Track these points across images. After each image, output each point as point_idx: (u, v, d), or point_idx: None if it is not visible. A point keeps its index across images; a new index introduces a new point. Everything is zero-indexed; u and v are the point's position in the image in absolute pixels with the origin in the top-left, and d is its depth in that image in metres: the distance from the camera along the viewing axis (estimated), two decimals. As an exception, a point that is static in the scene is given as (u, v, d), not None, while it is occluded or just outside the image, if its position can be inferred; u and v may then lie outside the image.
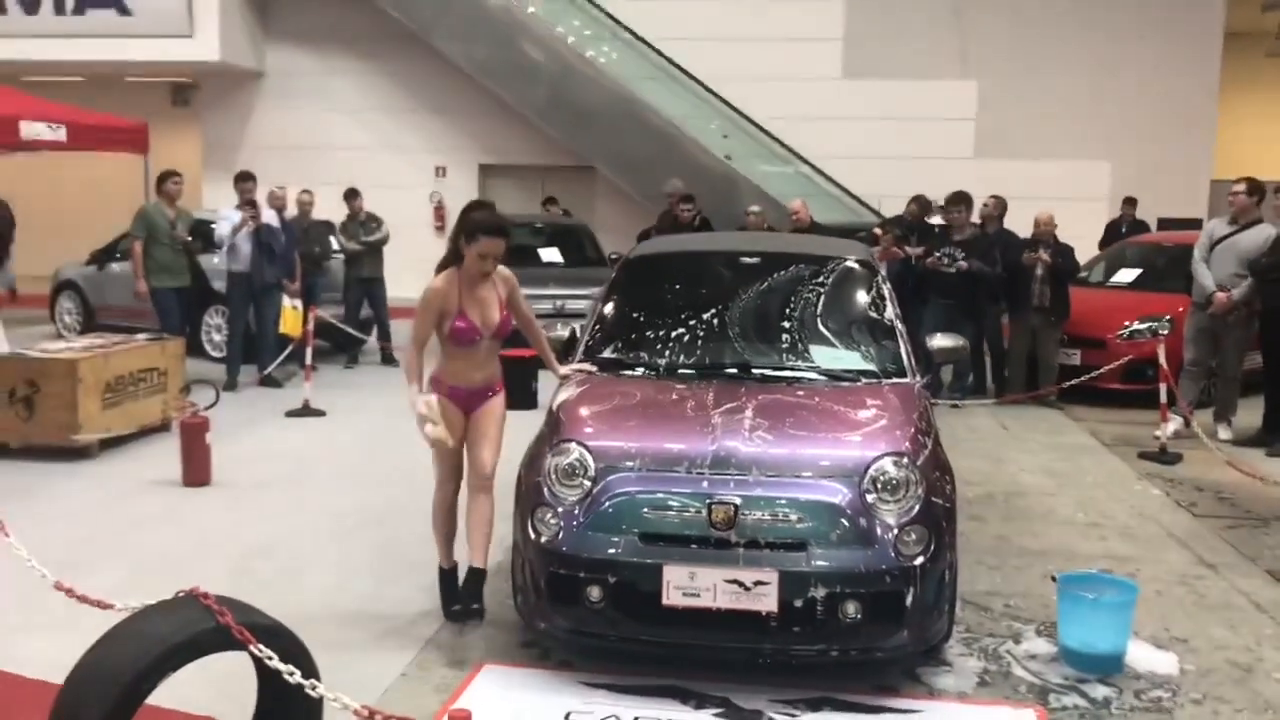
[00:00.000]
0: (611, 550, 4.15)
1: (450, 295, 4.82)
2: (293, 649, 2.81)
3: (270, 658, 2.65)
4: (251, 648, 2.68)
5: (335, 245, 12.39)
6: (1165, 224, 15.76)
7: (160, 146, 14.39)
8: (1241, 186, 8.96)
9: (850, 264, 5.78)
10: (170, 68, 18.52)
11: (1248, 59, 19.24)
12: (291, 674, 2.64)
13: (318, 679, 2.73)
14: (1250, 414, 9.03)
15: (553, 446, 4.47)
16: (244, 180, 10.64)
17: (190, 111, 20.12)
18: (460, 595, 4.93)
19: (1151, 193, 16.17)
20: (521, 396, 9.63)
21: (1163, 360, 8.45)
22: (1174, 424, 8.62)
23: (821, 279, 5.60)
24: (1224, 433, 8.85)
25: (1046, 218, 10.41)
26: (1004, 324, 10.78)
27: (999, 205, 10.92)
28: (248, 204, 10.46)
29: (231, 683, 3.57)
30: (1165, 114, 17.29)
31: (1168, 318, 9.67)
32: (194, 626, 2.79)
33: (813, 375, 5.07)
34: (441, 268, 4.92)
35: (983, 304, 10.53)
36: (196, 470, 7.09)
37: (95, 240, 13.82)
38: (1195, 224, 14.18)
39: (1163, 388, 8.44)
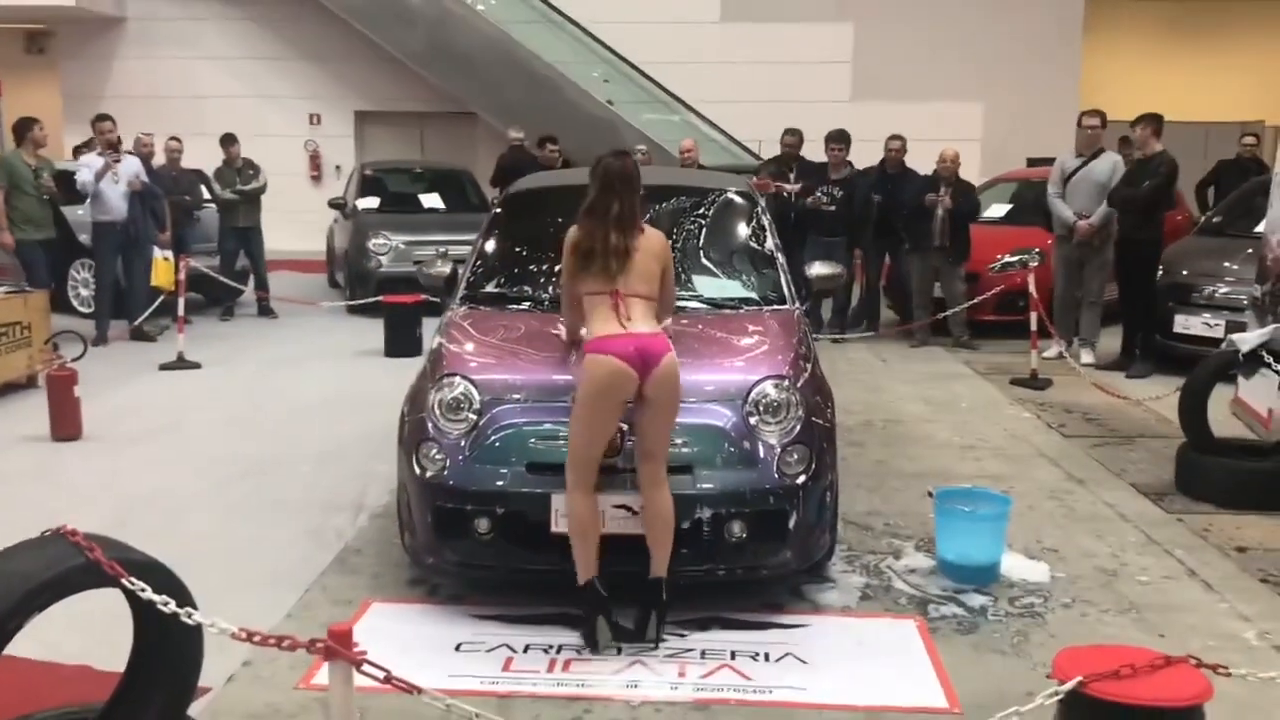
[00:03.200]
0: (499, 482, 4.15)
1: None
2: (167, 583, 2.73)
3: (143, 590, 2.58)
4: (123, 581, 2.60)
5: (207, 194, 11.99)
6: (1035, 163, 16.16)
7: (15, 97, 13.70)
8: (1096, 120, 9.26)
9: (731, 195, 5.81)
10: (22, 12, 17.59)
11: (1110, 1, 19.81)
12: (166, 604, 2.57)
13: (195, 609, 2.66)
14: (1110, 340, 9.41)
15: (436, 381, 4.42)
16: (101, 120, 10.20)
17: (47, 60, 19.21)
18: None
19: (1022, 133, 16.61)
20: (406, 343, 9.55)
21: (1033, 290, 8.73)
22: (1054, 348, 8.95)
23: (703, 210, 5.63)
24: (1087, 357, 9.21)
25: (952, 155, 10.24)
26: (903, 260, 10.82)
27: (903, 146, 10.89)
28: (108, 146, 10.03)
29: (111, 628, 3.47)
30: (1033, 56, 17.71)
31: (1037, 250, 10.00)
32: (61, 563, 2.68)
33: (695, 304, 5.10)
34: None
35: (861, 241, 10.72)
36: (66, 424, 6.84)
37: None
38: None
39: (1033, 316, 8.72)
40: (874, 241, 10.80)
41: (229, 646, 3.50)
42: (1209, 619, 4.34)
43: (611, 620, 4.00)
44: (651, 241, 4.14)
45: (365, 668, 2.31)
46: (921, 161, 10.83)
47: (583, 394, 3.93)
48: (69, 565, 2.70)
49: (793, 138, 11.26)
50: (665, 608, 4.03)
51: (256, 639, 2.47)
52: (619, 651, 3.98)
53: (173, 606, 2.56)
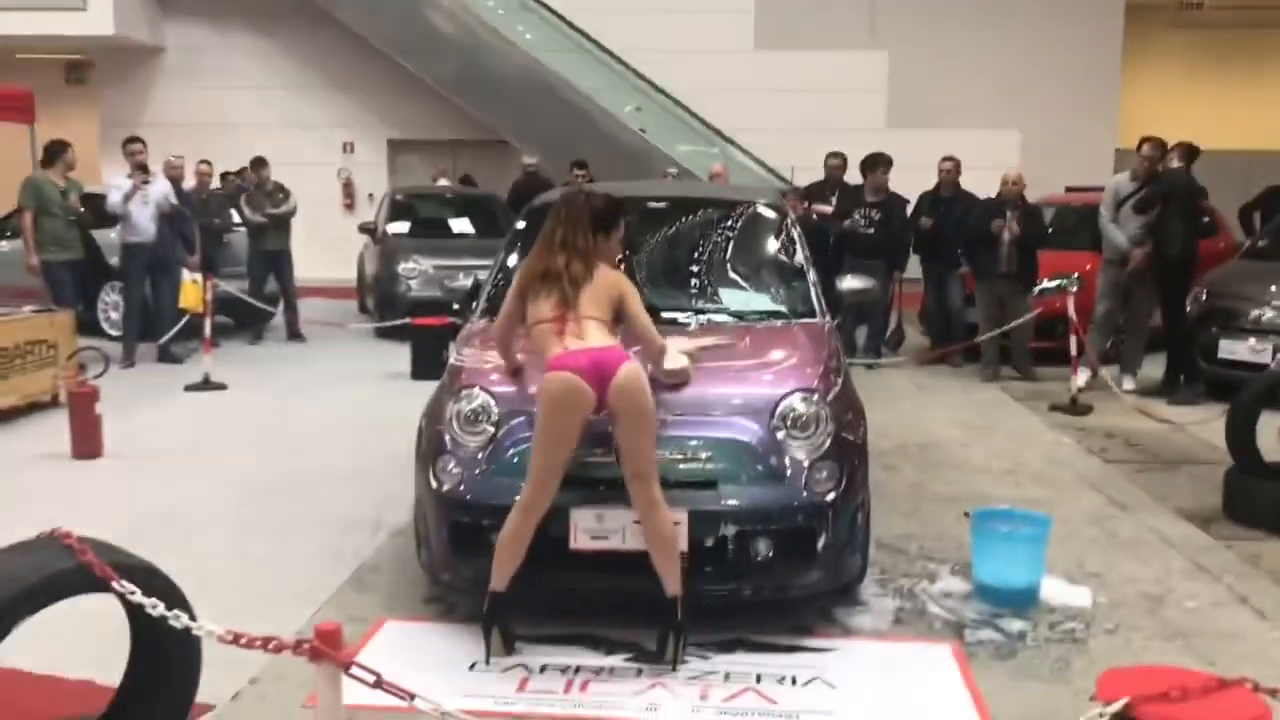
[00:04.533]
0: (517, 496, 3.99)
1: None
2: (161, 587, 2.62)
3: (133, 592, 2.46)
4: (114, 584, 2.48)
5: (236, 217, 11.99)
6: (1072, 192, 15.98)
7: (55, 126, 13.77)
8: (1149, 149, 9.08)
9: (760, 208, 5.69)
10: (62, 43, 17.82)
11: (1150, 30, 19.63)
12: (155, 607, 2.45)
13: (192, 616, 2.54)
14: (1150, 369, 9.19)
15: (454, 393, 4.30)
16: (131, 143, 10.22)
17: (86, 90, 19.40)
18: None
19: (1058, 162, 16.39)
20: (432, 365, 9.43)
21: (1073, 315, 8.52)
22: (1083, 375, 8.70)
23: (731, 223, 5.51)
24: (1128, 384, 8.98)
25: (1015, 176, 9.69)
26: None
27: (957, 167, 10.61)
28: (138, 168, 10.05)
29: (117, 642, 3.36)
30: (1071, 84, 17.56)
31: (1076, 275, 9.77)
32: (53, 566, 2.59)
33: (723, 317, 4.97)
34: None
35: (900, 264, 10.54)
36: (87, 441, 6.77)
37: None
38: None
39: (1073, 341, 8.51)
40: (926, 266, 10.60)
41: (235, 664, 3.40)
42: (1261, 647, 4.12)
43: (509, 635, 3.92)
44: (604, 277, 4.01)
45: (354, 671, 2.17)
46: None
47: (538, 413, 3.82)
48: (60, 568, 2.61)
49: (836, 160, 11.17)
50: (683, 628, 3.86)
51: (243, 641, 2.34)
52: (639, 673, 3.82)
53: (160, 609, 2.43)
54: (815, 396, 4.19)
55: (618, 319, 4.04)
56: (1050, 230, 11.47)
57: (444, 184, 15.91)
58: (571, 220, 4.05)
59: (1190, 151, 8.90)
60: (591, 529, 3.94)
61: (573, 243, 4.00)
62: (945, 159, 10.71)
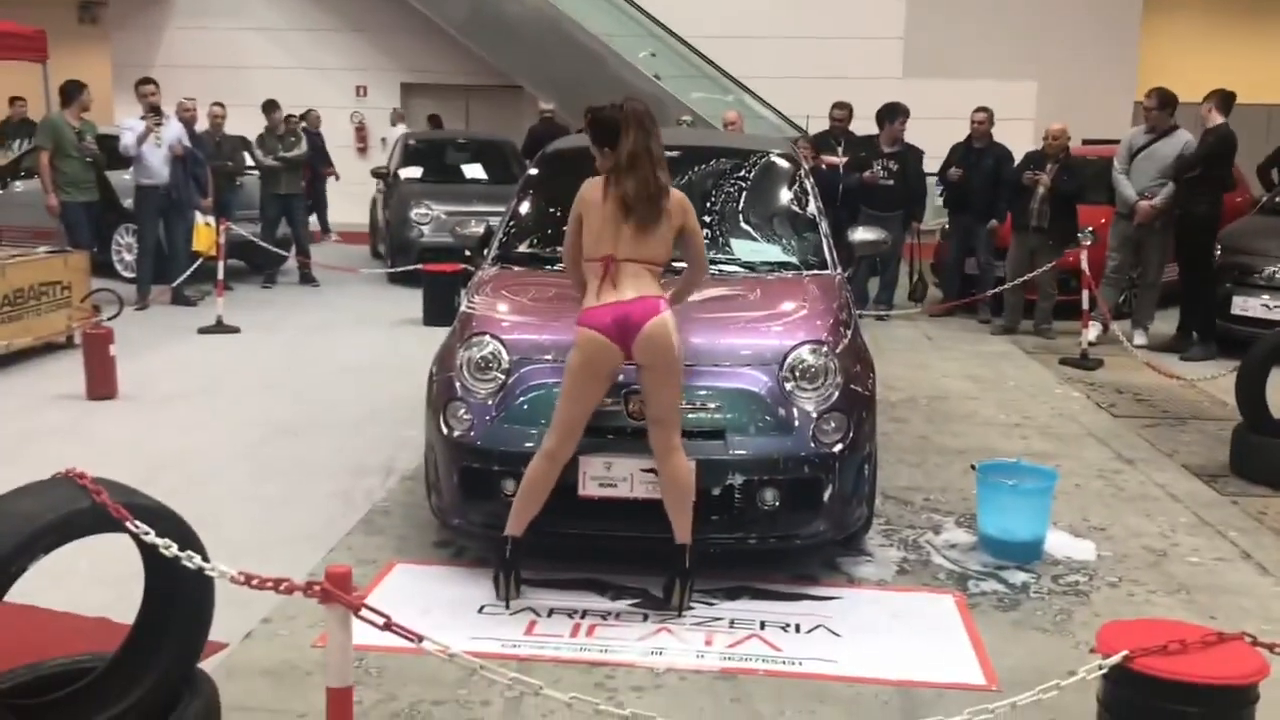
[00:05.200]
0: (528, 443, 4.02)
1: None
2: (174, 529, 2.65)
3: (146, 533, 2.49)
4: (129, 525, 2.52)
5: (250, 161, 11.97)
6: (1090, 144, 15.83)
7: (67, 67, 13.70)
8: (1153, 100, 8.96)
9: (773, 158, 5.65)
10: (74, -20, 17.74)
11: (1171, -19, 19.33)
12: (168, 547, 2.49)
13: (205, 557, 2.58)
14: (1164, 324, 9.15)
15: (464, 340, 4.33)
16: (144, 84, 10.18)
17: (98, 30, 19.32)
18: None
19: (1076, 114, 16.16)
20: (444, 311, 9.46)
21: (1085, 269, 8.49)
22: (1095, 329, 8.68)
23: (743, 172, 5.47)
24: (1140, 338, 8.95)
25: (1059, 130, 9.41)
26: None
27: (990, 118, 10.32)
28: (151, 110, 10.02)
29: (134, 583, 3.42)
30: (1090, 36, 17.31)
31: (1090, 229, 9.70)
32: (68, 506, 2.61)
33: (733, 267, 4.96)
34: None
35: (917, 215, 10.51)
36: (101, 382, 6.82)
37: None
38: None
39: (1085, 295, 8.48)
40: (953, 217, 10.54)
41: (248, 603, 3.46)
42: (1264, 602, 4.15)
43: (519, 579, 3.98)
44: (673, 201, 3.96)
45: (364, 614, 2.21)
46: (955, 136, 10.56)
47: (566, 367, 3.85)
48: (75, 508, 2.63)
49: (842, 111, 11.02)
50: (690, 574, 3.91)
51: (254, 583, 2.38)
52: (645, 618, 3.87)
53: (174, 550, 2.47)
54: (824, 349, 4.20)
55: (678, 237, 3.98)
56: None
57: (402, 128, 15.99)
58: (642, 136, 3.88)
59: (1226, 99, 8.54)
60: (600, 476, 3.98)
61: (659, 159, 3.88)
62: (978, 109, 10.42)
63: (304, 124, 13.66)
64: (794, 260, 5.08)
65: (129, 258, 11.23)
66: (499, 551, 3.98)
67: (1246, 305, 8.65)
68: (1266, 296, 8.55)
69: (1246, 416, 5.77)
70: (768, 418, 4.07)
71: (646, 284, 3.85)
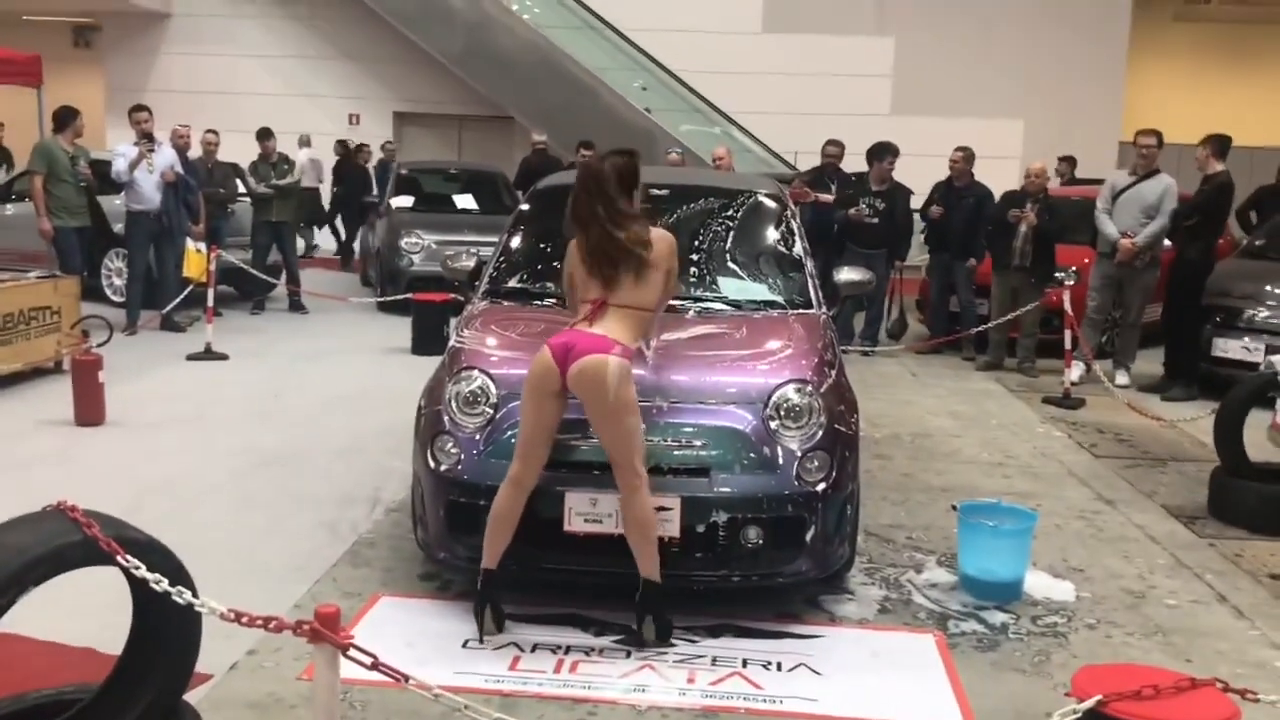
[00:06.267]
0: (511, 475, 4.06)
1: None
2: (164, 563, 2.68)
3: (137, 567, 2.52)
4: (119, 559, 2.55)
5: (241, 187, 12.02)
6: (1076, 184, 16.01)
7: (61, 90, 13.76)
8: (1152, 139, 9.09)
9: (760, 197, 5.73)
10: (70, 5, 17.80)
11: (1155, 23, 19.60)
12: (159, 582, 2.52)
13: (194, 592, 2.61)
14: (1145, 364, 9.24)
15: (453, 375, 4.37)
16: (137, 110, 10.25)
17: (93, 54, 19.41)
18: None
19: (1062, 153, 16.38)
20: (433, 341, 9.52)
21: (1068, 308, 8.58)
22: (1077, 369, 8.77)
23: (731, 212, 5.55)
24: (1122, 378, 9.03)
25: (1039, 169, 9.66)
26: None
27: (968, 158, 10.47)
28: (144, 136, 10.08)
29: (119, 613, 3.44)
30: (1076, 76, 17.56)
31: (1073, 269, 9.80)
32: (58, 539, 2.64)
33: (720, 305, 5.02)
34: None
35: (901, 254, 10.61)
36: (89, 408, 6.84)
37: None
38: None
39: (1068, 334, 8.58)
40: (933, 255, 10.64)
41: (233, 635, 3.46)
42: (1239, 645, 4.20)
43: (501, 614, 4.01)
44: (660, 242, 4.04)
45: (351, 653, 2.24)
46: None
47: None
48: (65, 541, 2.66)
49: (835, 148, 11.13)
50: (656, 607, 3.94)
51: (245, 620, 2.41)
52: (628, 654, 3.90)
53: (165, 585, 2.50)
54: (809, 388, 4.25)
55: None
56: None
57: (307, 152, 16.42)
58: (600, 190, 3.97)
59: (1223, 144, 8.62)
60: (585, 512, 4.01)
61: (616, 216, 3.95)
62: (957, 149, 10.56)
63: (360, 157, 15.75)
64: (779, 299, 5.15)
65: (119, 282, 11.26)
66: (479, 588, 4.01)
67: (1227, 347, 8.75)
68: (1247, 339, 8.65)
69: (1224, 459, 5.84)
70: (752, 456, 4.11)
71: (626, 327, 3.93)
